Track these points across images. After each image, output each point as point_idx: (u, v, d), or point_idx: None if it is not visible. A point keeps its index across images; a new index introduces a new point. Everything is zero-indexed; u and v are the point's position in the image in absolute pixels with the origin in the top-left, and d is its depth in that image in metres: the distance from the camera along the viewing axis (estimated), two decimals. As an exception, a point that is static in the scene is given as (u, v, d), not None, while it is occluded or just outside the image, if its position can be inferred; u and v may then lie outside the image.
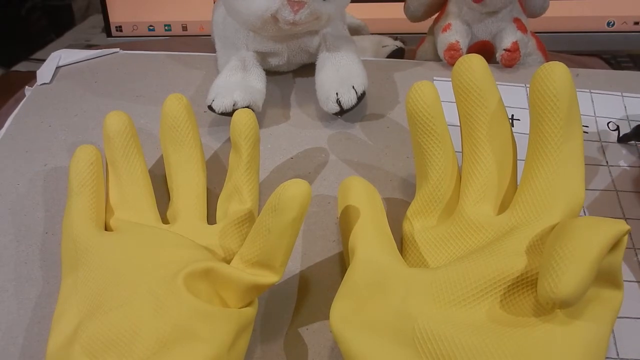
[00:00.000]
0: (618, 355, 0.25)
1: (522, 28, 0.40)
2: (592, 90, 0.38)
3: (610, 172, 0.34)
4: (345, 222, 0.26)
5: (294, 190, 0.22)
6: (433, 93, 0.26)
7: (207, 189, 0.31)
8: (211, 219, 0.30)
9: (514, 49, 0.39)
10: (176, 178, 0.30)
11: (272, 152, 0.35)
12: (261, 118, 0.37)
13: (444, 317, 0.21)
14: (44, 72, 0.41)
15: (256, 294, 0.24)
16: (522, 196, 0.24)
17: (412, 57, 0.45)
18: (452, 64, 0.39)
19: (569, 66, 0.24)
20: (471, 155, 0.26)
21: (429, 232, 0.26)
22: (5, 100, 0.43)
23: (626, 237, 0.20)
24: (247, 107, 0.34)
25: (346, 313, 0.22)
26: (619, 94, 0.39)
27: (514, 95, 0.38)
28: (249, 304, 0.24)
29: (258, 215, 0.26)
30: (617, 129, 0.36)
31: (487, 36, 0.41)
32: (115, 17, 0.57)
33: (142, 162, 0.30)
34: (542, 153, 0.24)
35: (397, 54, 0.46)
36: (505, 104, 0.26)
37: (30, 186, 0.33)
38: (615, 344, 0.25)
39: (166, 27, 0.57)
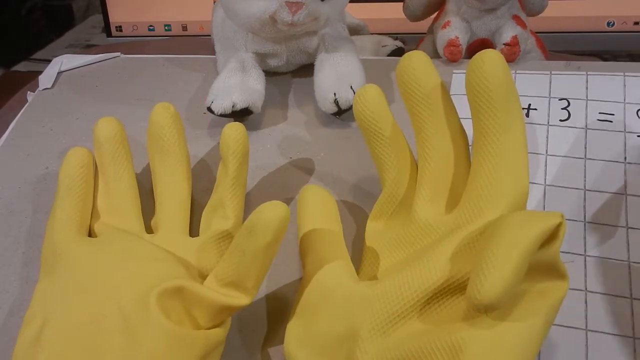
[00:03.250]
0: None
1: (521, 24, 0.40)
2: (626, 74, 0.34)
3: (625, 171, 0.30)
4: (300, 236, 0.26)
5: (270, 214, 0.21)
6: (376, 97, 0.26)
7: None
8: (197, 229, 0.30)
9: (514, 43, 0.39)
10: (160, 188, 0.29)
11: (271, 153, 0.35)
12: (260, 118, 0.37)
13: (383, 334, 0.21)
14: (46, 78, 0.41)
15: (227, 315, 0.24)
16: (467, 193, 0.23)
17: (412, 57, 0.45)
18: (453, 60, 0.39)
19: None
20: (422, 155, 0.26)
21: (387, 233, 0.26)
22: (5, 100, 0.44)
23: (563, 227, 0.19)
24: (246, 108, 0.34)
25: (300, 334, 0.22)
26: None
27: (532, 84, 0.36)
28: (220, 324, 0.23)
29: None
30: None
31: (486, 34, 0.41)
32: (115, 17, 0.57)
33: (129, 169, 0.30)
34: (482, 147, 0.23)
35: (397, 53, 0.46)
36: (523, 93, 0.25)
37: (31, 189, 0.33)
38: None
39: (166, 27, 0.57)
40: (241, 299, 0.23)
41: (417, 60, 0.25)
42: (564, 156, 0.31)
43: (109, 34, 0.58)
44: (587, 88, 0.34)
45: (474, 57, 0.23)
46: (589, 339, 0.25)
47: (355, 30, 0.50)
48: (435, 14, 0.44)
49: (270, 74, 0.39)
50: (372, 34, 0.50)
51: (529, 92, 0.35)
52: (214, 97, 0.35)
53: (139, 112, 0.37)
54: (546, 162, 0.31)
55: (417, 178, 0.26)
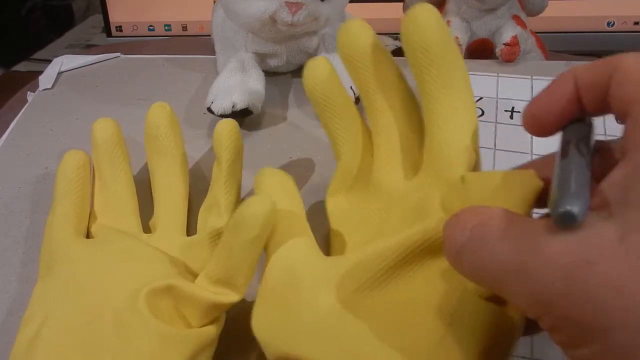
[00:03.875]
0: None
1: (521, 24, 0.40)
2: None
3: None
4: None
5: (255, 209, 0.21)
6: (326, 68, 0.25)
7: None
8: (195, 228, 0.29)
9: (514, 43, 0.39)
10: (158, 187, 0.29)
11: (271, 153, 0.35)
12: (260, 119, 0.37)
13: (351, 306, 0.20)
14: (46, 78, 0.41)
15: (218, 312, 0.23)
16: (426, 154, 0.23)
17: (412, 57, 0.45)
18: (452, 61, 0.40)
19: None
20: (375, 125, 0.25)
21: (351, 211, 0.26)
22: (5, 100, 0.44)
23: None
24: (246, 108, 0.34)
25: (268, 318, 0.21)
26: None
27: (516, 88, 0.37)
28: (212, 322, 0.23)
29: None
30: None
31: (486, 34, 0.41)
32: (115, 17, 0.57)
33: (127, 170, 0.30)
34: (430, 106, 0.22)
35: (397, 53, 0.46)
36: (507, 96, 0.25)
37: (31, 189, 0.33)
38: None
39: (166, 27, 0.57)
40: (231, 296, 0.23)
41: (356, 28, 0.24)
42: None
43: (109, 34, 0.58)
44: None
45: (408, 12, 0.22)
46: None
47: (355, 30, 0.50)
48: (435, 14, 0.44)
49: (270, 74, 0.39)
50: (372, 34, 0.50)
51: (513, 96, 0.37)
52: (214, 97, 0.35)
53: (139, 112, 0.37)
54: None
55: (373, 148, 0.26)
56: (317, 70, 0.25)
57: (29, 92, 0.41)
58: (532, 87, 0.38)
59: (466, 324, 0.19)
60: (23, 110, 0.39)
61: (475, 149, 0.22)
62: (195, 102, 0.38)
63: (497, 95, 0.37)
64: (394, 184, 0.24)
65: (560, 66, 0.38)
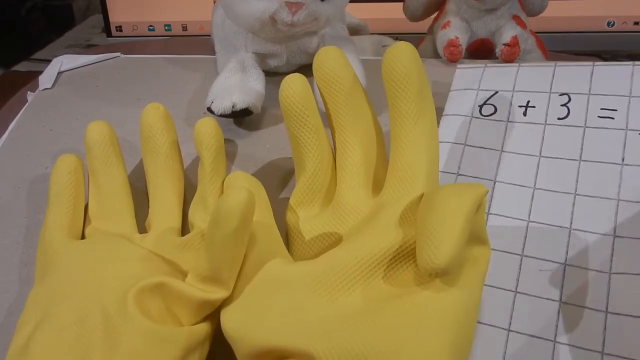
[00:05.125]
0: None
1: (521, 24, 0.40)
2: (635, 63, 0.31)
3: (621, 173, 0.28)
4: None
5: (232, 200, 0.21)
6: (305, 86, 0.27)
7: None
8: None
9: (514, 44, 0.39)
10: (152, 188, 0.30)
11: (271, 153, 0.35)
12: (260, 119, 0.37)
13: (323, 309, 0.21)
14: (46, 78, 0.41)
15: (209, 310, 0.23)
16: (390, 175, 0.25)
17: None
18: (452, 60, 0.40)
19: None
20: (341, 144, 0.27)
21: (311, 221, 0.26)
22: (5, 100, 0.44)
23: (485, 198, 0.22)
24: (246, 108, 0.34)
25: (238, 322, 0.22)
26: None
27: (533, 79, 0.33)
28: (204, 320, 0.23)
29: None
30: None
31: (486, 34, 0.41)
32: (115, 17, 0.57)
33: (121, 171, 0.30)
34: (402, 131, 0.25)
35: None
36: (522, 89, 0.26)
37: (31, 189, 0.33)
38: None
39: (166, 27, 0.57)
40: (218, 292, 0.23)
41: (334, 54, 0.27)
42: (557, 157, 0.29)
43: (109, 34, 0.58)
44: (590, 81, 0.31)
45: (390, 47, 0.25)
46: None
47: (355, 30, 0.50)
48: (435, 14, 0.44)
49: (270, 74, 0.39)
50: (372, 34, 0.50)
51: (529, 88, 0.32)
52: (214, 97, 0.35)
53: (139, 112, 0.37)
54: (539, 163, 0.29)
55: (337, 167, 0.27)
56: (296, 86, 0.27)
57: (29, 92, 0.41)
58: (553, 75, 0.32)
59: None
60: (23, 110, 0.39)
61: (436, 172, 0.25)
62: (195, 102, 0.38)
63: (513, 88, 0.32)
64: (355, 202, 0.25)
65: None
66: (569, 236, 0.26)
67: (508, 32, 0.39)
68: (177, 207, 0.29)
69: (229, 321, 0.22)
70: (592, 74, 0.31)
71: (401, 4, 0.44)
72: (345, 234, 0.25)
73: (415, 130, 0.24)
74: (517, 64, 0.34)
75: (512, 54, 0.39)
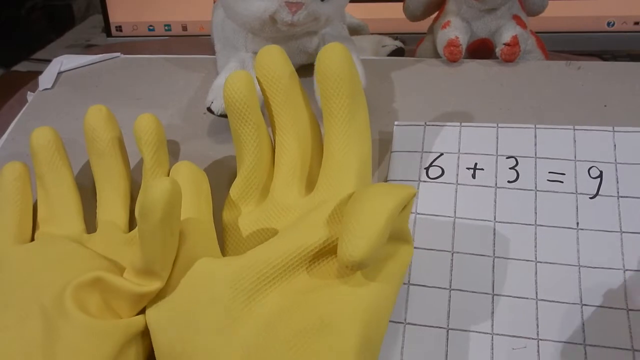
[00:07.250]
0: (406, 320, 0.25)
1: (521, 24, 0.40)
2: (575, 127, 0.31)
3: (578, 238, 0.27)
4: None
5: (156, 192, 0.21)
6: (249, 83, 0.27)
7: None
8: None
9: (514, 43, 0.39)
10: (99, 188, 0.30)
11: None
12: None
13: (243, 305, 0.21)
14: (46, 78, 0.41)
15: (145, 302, 0.24)
16: (322, 175, 0.25)
17: (412, 57, 0.45)
18: (453, 60, 0.39)
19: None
20: (278, 142, 0.27)
21: (246, 218, 0.27)
22: (5, 100, 0.44)
23: (413, 199, 0.23)
24: (246, 108, 0.34)
25: (162, 318, 0.22)
26: (610, 129, 0.31)
27: (477, 140, 0.32)
28: (144, 311, 0.24)
29: None
30: (600, 176, 0.29)
31: (486, 34, 0.41)
32: (115, 17, 0.57)
33: (68, 175, 0.30)
34: (334, 131, 0.25)
35: (397, 53, 0.46)
36: (468, 151, 0.27)
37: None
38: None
39: (166, 27, 0.57)
40: (152, 285, 0.23)
41: (275, 53, 0.27)
42: (513, 222, 0.28)
43: (109, 34, 0.58)
44: (535, 144, 0.31)
45: (323, 48, 0.25)
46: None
47: (355, 30, 0.50)
48: (435, 14, 0.44)
49: (270, 74, 0.39)
50: (372, 34, 0.50)
51: (474, 150, 0.31)
52: (213, 97, 0.35)
53: (139, 112, 0.37)
54: (494, 230, 0.28)
55: (275, 165, 0.27)
56: (241, 83, 0.27)
57: (29, 92, 0.41)
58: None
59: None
60: (23, 110, 0.39)
61: (367, 172, 0.25)
62: (195, 102, 0.38)
63: (459, 150, 0.31)
64: (287, 200, 0.26)
65: (561, 66, 0.38)
66: (537, 308, 0.25)
67: (508, 32, 0.39)
68: (123, 204, 0.30)
69: (154, 319, 0.23)
70: (535, 136, 0.31)
71: (401, 4, 0.44)
72: (277, 231, 0.25)
73: (348, 130, 0.25)
74: (458, 123, 0.32)
75: (513, 54, 0.39)
